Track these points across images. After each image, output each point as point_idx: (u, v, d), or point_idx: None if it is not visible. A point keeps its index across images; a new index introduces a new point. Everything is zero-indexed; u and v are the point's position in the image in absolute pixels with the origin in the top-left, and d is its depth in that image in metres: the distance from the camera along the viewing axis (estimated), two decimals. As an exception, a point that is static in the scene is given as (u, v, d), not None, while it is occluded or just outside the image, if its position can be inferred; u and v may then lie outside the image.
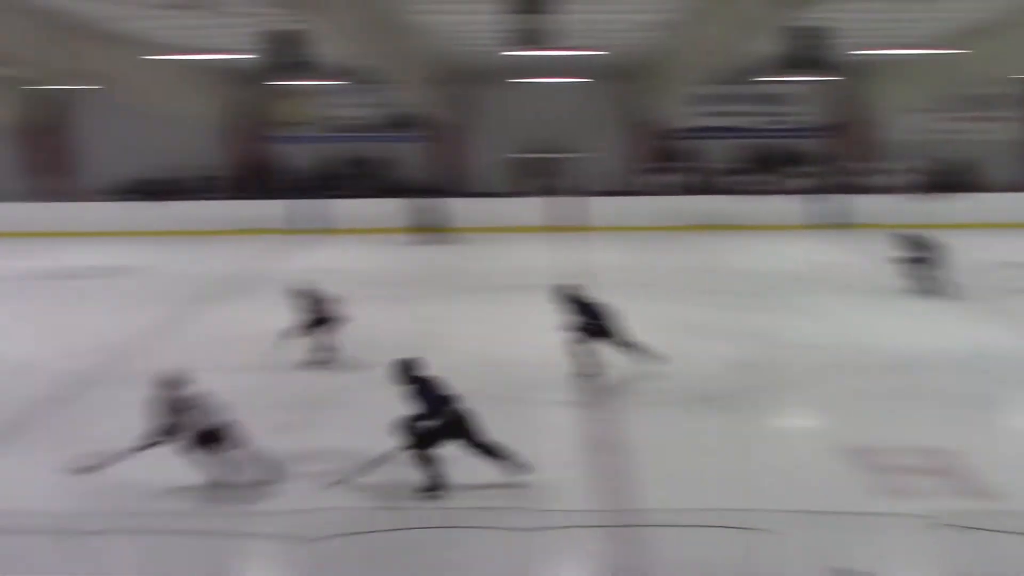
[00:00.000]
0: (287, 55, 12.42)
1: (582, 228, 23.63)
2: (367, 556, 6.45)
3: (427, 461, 7.56)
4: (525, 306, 14.30)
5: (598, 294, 10.93)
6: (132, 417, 7.89)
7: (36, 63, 17.29)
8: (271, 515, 6.82)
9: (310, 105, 27.19)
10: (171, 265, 19.80)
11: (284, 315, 11.85)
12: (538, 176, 27.36)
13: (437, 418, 7.51)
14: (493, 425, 7.76)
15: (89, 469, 7.72)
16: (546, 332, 11.26)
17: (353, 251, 21.49)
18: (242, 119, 26.74)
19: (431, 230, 22.39)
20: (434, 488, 7.55)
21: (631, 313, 11.02)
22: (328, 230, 23.54)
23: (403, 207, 22.80)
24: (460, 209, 23.79)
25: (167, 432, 7.55)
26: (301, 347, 11.42)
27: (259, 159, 27.25)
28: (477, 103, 27.33)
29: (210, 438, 7.57)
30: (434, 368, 7.79)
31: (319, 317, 11.41)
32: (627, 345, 10.62)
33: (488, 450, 7.74)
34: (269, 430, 8.54)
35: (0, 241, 23.21)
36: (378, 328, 13.02)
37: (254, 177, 26.65)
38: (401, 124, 27.24)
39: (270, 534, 5.87)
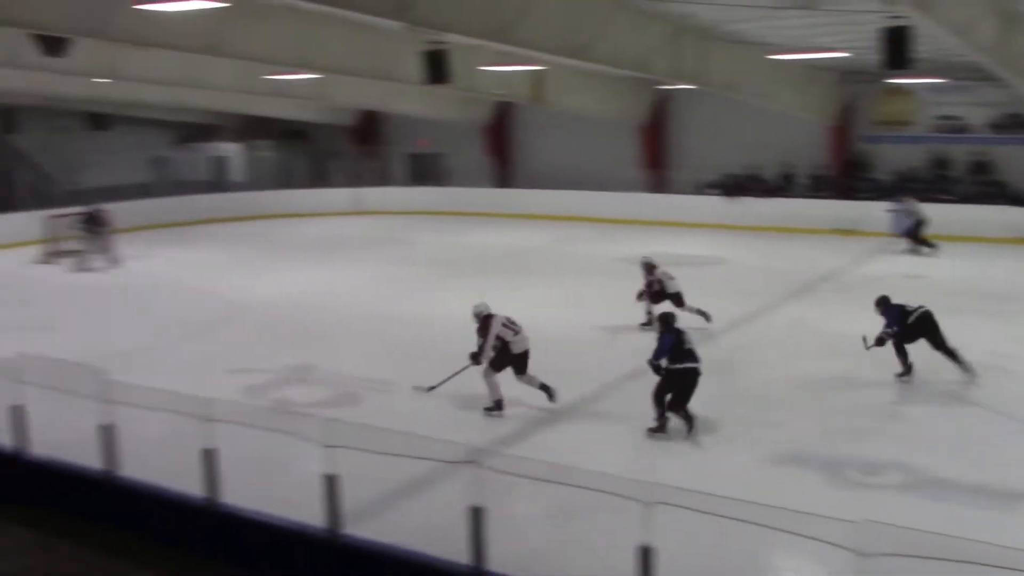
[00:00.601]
0: (897, 52, 12.03)
1: None
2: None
3: (661, 400, 8.96)
4: None
5: None
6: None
7: (665, 66, 18.99)
8: (813, 517, 6.78)
9: (916, 104, 25.76)
10: (750, 259, 20.59)
11: (846, 320, 11.70)
12: None
13: (675, 365, 8.93)
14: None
15: (431, 388, 10.40)
16: None
17: (947, 259, 20.06)
18: (846, 117, 26.35)
19: (917, 238, 20.67)
20: (659, 429, 8.99)
21: None
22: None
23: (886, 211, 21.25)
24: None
25: (475, 357, 9.75)
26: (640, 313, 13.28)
27: (858, 158, 26.64)
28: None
29: (520, 360, 9.72)
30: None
31: (656, 290, 13.21)
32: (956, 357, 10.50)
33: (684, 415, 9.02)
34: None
35: (615, 228, 25.95)
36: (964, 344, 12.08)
37: (851, 177, 26.16)
38: (1014, 125, 24.48)
39: (816, 537, 5.85)
